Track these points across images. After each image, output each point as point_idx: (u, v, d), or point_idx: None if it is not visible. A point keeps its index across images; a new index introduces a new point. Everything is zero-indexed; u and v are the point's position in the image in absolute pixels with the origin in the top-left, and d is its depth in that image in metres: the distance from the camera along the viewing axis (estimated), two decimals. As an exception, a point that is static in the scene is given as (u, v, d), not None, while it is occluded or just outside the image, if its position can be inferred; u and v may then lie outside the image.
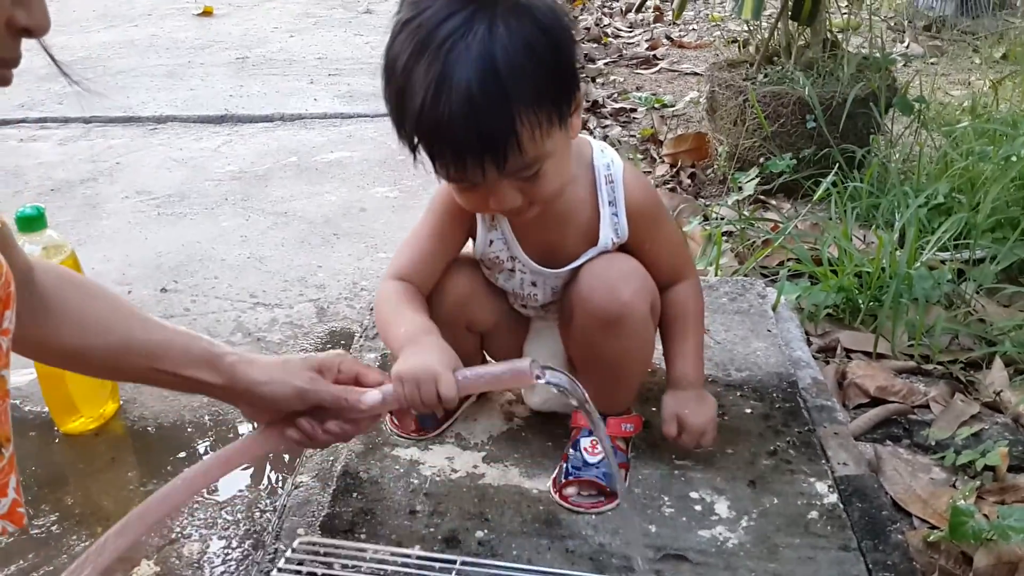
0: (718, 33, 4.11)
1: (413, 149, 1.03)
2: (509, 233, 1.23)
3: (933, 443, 1.57)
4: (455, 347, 1.10)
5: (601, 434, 1.12)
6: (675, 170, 2.97)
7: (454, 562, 1.11)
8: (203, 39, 4.46)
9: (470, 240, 1.27)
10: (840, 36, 2.84)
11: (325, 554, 1.14)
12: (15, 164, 2.88)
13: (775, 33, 2.83)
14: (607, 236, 1.22)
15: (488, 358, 1.42)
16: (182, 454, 1.49)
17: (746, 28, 3.06)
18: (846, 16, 3.06)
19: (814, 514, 1.21)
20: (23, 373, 1.65)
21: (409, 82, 0.98)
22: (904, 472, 1.48)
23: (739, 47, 3.25)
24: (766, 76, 2.72)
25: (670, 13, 5.34)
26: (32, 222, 1.41)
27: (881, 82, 2.58)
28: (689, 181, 2.91)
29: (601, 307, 1.19)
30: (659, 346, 1.33)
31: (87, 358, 1.01)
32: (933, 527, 1.37)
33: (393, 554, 1.13)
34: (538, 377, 0.97)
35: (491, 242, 1.24)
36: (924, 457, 1.55)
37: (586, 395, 1.02)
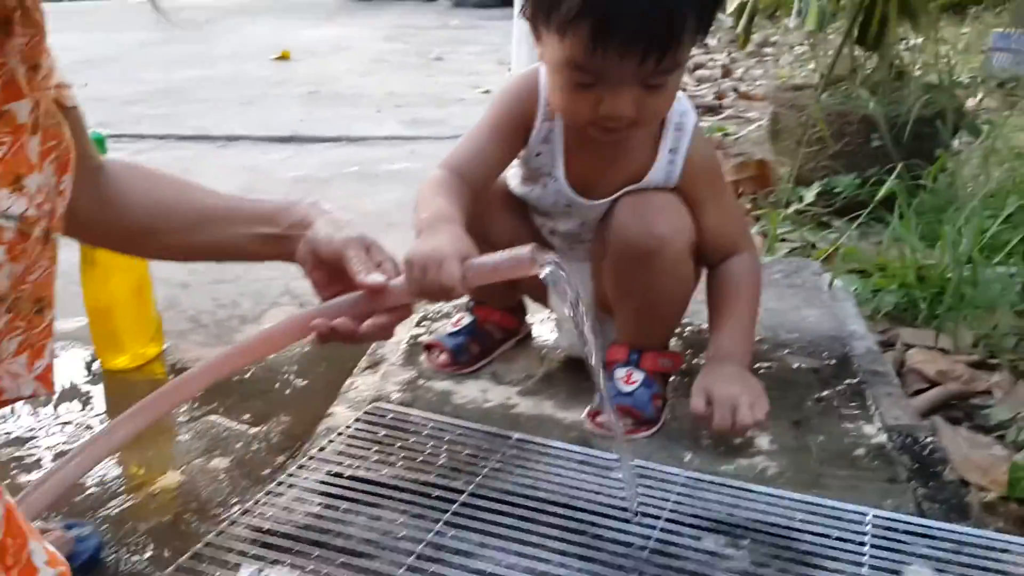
0: (785, 71, 4.11)
1: (563, 31, 1.00)
2: (559, 151, 1.20)
3: (994, 423, 1.49)
4: None
5: (596, 354, 1.04)
6: (737, 198, 2.95)
7: (509, 437, 1.15)
8: (278, 77, 4.61)
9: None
10: (907, 60, 2.81)
11: (392, 417, 1.19)
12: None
13: (839, 57, 2.81)
14: (653, 179, 1.19)
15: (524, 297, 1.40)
16: (217, 401, 1.48)
17: (809, 52, 3.05)
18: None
19: (861, 451, 1.14)
20: (73, 321, 1.67)
21: None
22: (963, 444, 1.41)
23: (802, 64, 3.24)
24: (831, 96, 2.70)
25: (738, 70, 5.38)
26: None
27: (948, 104, 2.53)
28: (750, 206, 2.88)
29: (636, 240, 1.15)
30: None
31: (159, 234, 1.01)
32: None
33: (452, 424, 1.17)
34: (538, 265, 0.92)
35: (538, 154, 1.22)
36: (985, 437, 1.47)
37: (580, 296, 0.96)
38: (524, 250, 0.93)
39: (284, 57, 5.15)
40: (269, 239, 1.00)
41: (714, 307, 1.24)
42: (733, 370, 1.17)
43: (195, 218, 1.01)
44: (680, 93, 1.18)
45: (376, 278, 0.97)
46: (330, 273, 1.01)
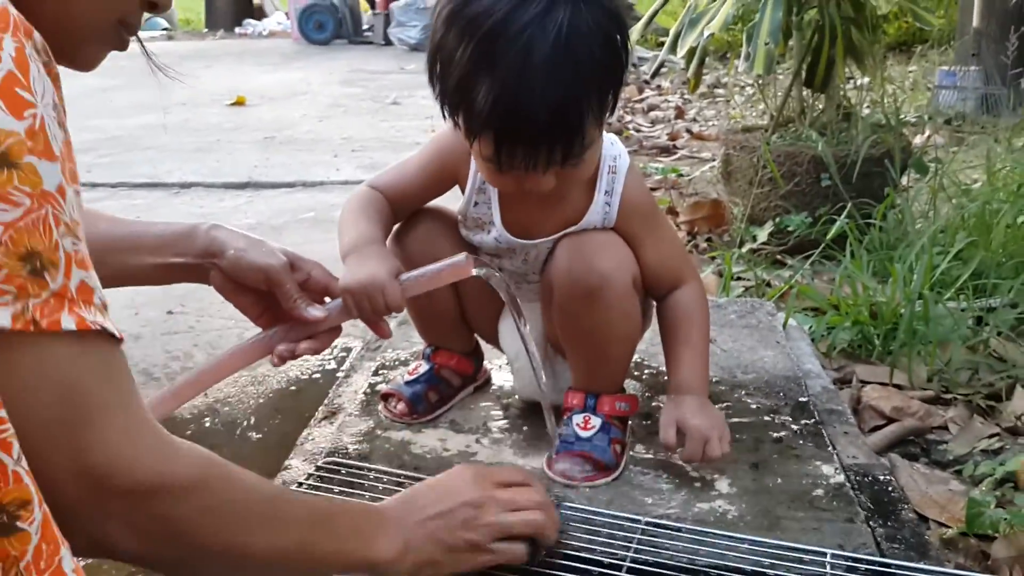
0: (737, 111, 4.18)
1: (472, 136, 1.03)
2: (495, 202, 1.22)
3: (951, 458, 1.50)
4: (430, 300, 1.15)
5: (527, 341, 1.12)
6: (692, 237, 2.97)
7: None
8: (233, 123, 4.60)
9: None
10: (854, 102, 2.87)
11: (347, 472, 1.19)
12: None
13: (788, 99, 2.87)
14: (591, 220, 1.20)
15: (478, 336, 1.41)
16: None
17: (759, 93, 3.11)
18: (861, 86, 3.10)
19: (819, 492, 1.14)
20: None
21: (479, 73, 0.98)
22: (920, 481, 1.42)
23: (753, 105, 3.29)
24: (780, 137, 2.75)
25: (691, 111, 5.46)
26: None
27: (895, 143, 2.58)
28: (706, 245, 2.91)
29: (578, 277, 1.16)
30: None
31: None
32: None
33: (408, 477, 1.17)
34: (475, 268, 1.03)
35: (476, 204, 1.23)
36: (942, 472, 1.48)
37: (512, 290, 1.08)
38: (460, 257, 1.03)
39: (240, 103, 5.14)
40: (177, 267, 1.01)
41: (667, 339, 1.26)
42: (699, 402, 1.20)
43: (99, 249, 1.00)
44: (613, 137, 1.21)
45: (315, 312, 1.02)
46: (256, 296, 1.04)
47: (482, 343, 1.42)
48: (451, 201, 1.29)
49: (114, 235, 1.00)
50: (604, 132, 1.21)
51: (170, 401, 1.01)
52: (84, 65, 0.71)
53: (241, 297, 1.04)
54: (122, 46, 0.73)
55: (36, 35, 0.56)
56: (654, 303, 1.29)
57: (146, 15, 0.76)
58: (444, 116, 1.08)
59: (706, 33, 2.59)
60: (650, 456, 1.24)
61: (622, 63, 1.04)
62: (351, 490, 1.13)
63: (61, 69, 0.64)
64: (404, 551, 0.85)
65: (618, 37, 1.02)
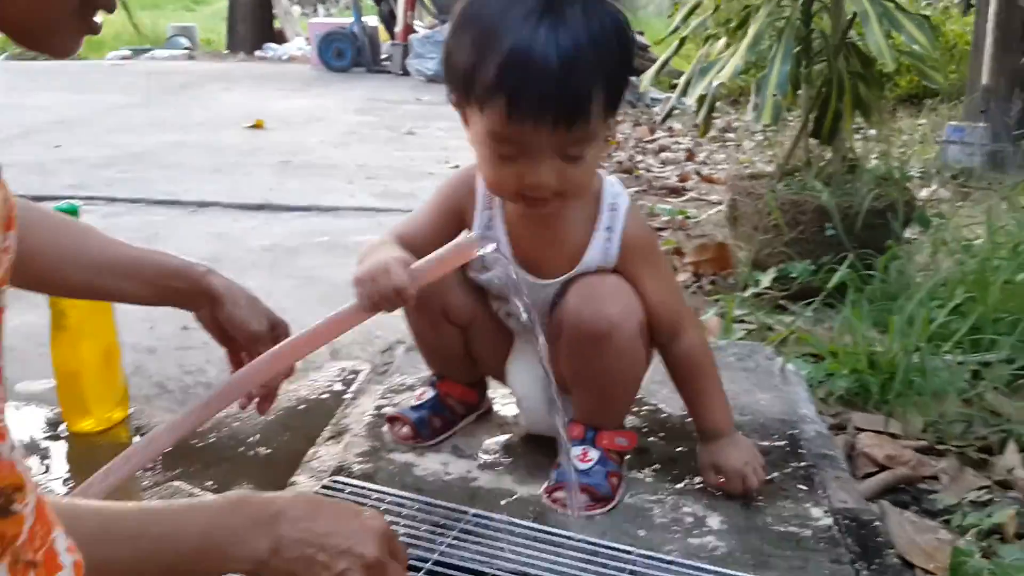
0: (746, 156, 4.24)
1: (482, 100, 1.09)
2: (503, 235, 1.27)
3: (941, 507, 1.53)
4: (438, 339, 1.27)
5: (545, 364, 1.16)
6: (697, 278, 3.02)
7: (466, 512, 1.18)
8: (251, 145, 4.67)
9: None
10: (860, 153, 2.93)
11: (351, 491, 1.24)
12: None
13: (795, 150, 2.92)
14: (593, 257, 1.25)
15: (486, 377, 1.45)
16: (181, 467, 1.49)
17: (768, 140, 3.16)
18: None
19: (807, 532, 1.18)
20: (40, 383, 1.69)
21: (502, 23, 1.06)
22: (909, 528, 1.45)
23: (763, 150, 3.34)
24: (787, 186, 2.80)
25: (702, 153, 5.53)
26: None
27: (899, 196, 2.63)
28: (710, 287, 2.95)
29: (589, 323, 1.20)
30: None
31: (66, 281, 1.10)
32: (935, 577, 1.34)
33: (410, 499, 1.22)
34: (479, 247, 1.07)
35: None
36: (931, 521, 1.51)
37: (524, 289, 1.15)
38: (465, 238, 1.08)
39: (258, 126, 5.21)
40: (170, 292, 1.14)
41: (684, 391, 1.33)
42: (729, 441, 1.29)
43: (95, 269, 1.10)
44: (612, 178, 1.27)
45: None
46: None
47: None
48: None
49: (110, 258, 1.10)
50: (604, 175, 1.27)
51: (164, 436, 1.06)
52: (59, 53, 0.71)
53: (226, 342, 1.21)
54: (94, 30, 0.72)
55: None
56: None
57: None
58: (456, 100, 1.15)
59: (715, 83, 2.65)
60: (645, 489, 1.28)
61: (627, 66, 1.13)
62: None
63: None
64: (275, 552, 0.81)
65: (626, 43, 1.12)
